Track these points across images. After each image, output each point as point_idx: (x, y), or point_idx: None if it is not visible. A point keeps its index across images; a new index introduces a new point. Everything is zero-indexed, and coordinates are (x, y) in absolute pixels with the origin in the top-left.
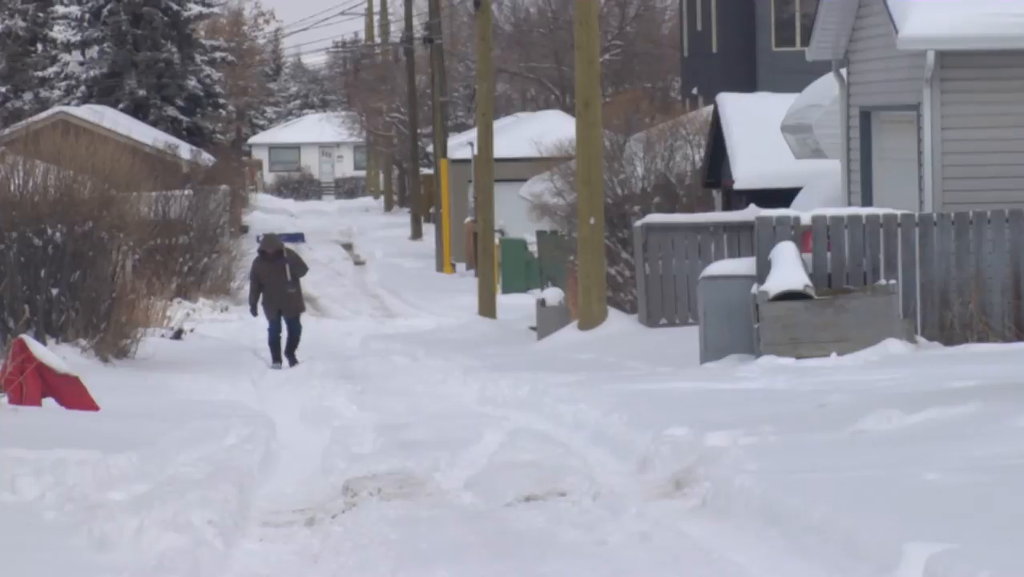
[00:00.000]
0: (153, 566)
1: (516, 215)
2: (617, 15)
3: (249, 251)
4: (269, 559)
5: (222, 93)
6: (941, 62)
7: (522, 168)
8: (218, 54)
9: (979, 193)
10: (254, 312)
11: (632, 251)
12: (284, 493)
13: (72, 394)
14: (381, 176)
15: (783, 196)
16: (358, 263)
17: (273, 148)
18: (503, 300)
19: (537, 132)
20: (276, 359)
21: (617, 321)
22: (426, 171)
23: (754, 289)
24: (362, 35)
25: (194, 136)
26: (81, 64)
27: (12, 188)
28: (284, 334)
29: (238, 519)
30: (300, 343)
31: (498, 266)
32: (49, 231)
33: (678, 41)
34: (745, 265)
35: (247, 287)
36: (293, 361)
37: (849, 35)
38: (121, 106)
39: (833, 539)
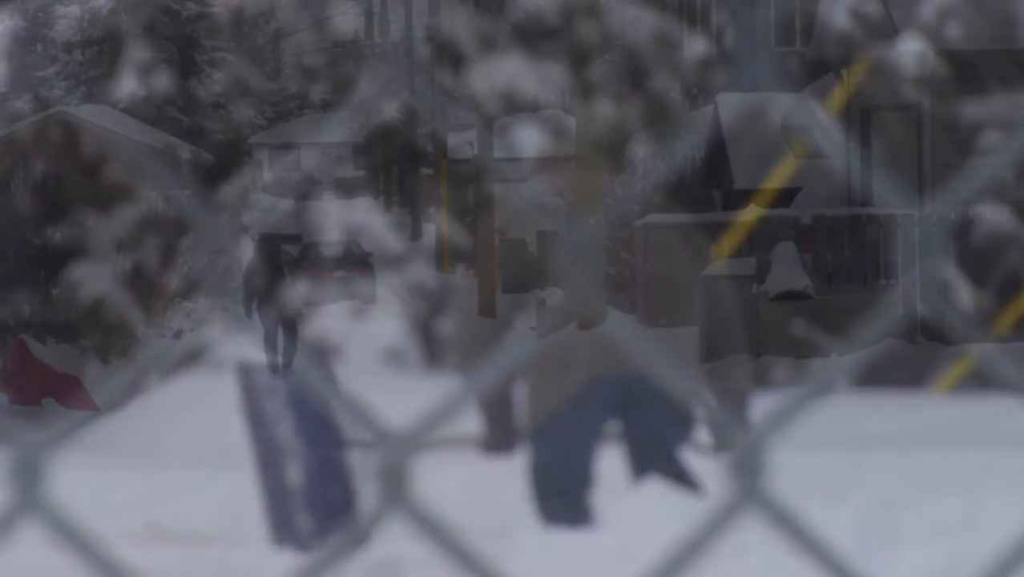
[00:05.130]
0: (154, 566)
1: (516, 215)
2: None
3: (249, 251)
4: (269, 559)
5: (222, 93)
6: (941, 62)
7: (522, 168)
8: (218, 54)
9: (979, 193)
10: (248, 314)
11: (632, 251)
12: None
13: (72, 394)
14: (381, 176)
15: (783, 196)
16: None
17: (273, 148)
18: (503, 300)
19: (537, 132)
20: (274, 368)
21: (617, 321)
22: (426, 171)
23: (754, 289)
24: (362, 35)
25: (194, 136)
26: (81, 64)
27: (12, 188)
28: (280, 341)
29: (240, 519)
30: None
31: (498, 266)
32: (49, 231)
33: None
34: (745, 265)
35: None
36: (290, 373)
37: (849, 34)
38: (121, 106)
39: (833, 539)
